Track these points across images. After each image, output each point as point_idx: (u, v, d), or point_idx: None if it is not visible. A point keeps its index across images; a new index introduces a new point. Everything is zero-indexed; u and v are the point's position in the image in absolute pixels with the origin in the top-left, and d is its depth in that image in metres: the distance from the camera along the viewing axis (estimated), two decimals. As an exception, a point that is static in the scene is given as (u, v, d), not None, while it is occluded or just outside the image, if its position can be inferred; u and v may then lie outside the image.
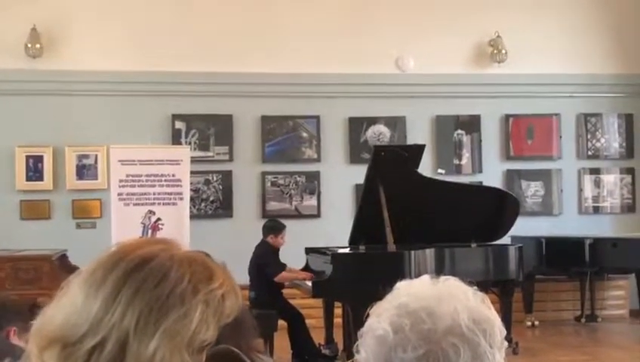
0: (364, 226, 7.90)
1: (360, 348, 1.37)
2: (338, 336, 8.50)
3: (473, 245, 8.14)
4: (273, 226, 8.63)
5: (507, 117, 11.41)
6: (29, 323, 1.31)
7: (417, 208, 7.86)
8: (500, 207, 8.47)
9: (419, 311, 1.33)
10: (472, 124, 11.34)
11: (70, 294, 1.27)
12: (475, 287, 1.40)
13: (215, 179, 10.77)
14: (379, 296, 1.42)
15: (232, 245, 9.46)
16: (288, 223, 8.87)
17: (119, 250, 1.30)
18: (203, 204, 10.70)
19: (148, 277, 1.25)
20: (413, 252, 7.43)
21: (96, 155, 10.39)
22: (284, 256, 8.51)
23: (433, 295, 1.36)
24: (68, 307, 1.25)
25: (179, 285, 1.25)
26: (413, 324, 1.31)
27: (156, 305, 1.23)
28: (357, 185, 10.15)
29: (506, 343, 1.37)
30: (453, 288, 1.38)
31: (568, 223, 11.36)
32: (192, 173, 9.61)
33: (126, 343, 1.21)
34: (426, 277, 1.41)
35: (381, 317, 1.35)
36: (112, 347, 1.21)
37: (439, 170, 11.05)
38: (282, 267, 8.37)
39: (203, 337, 1.25)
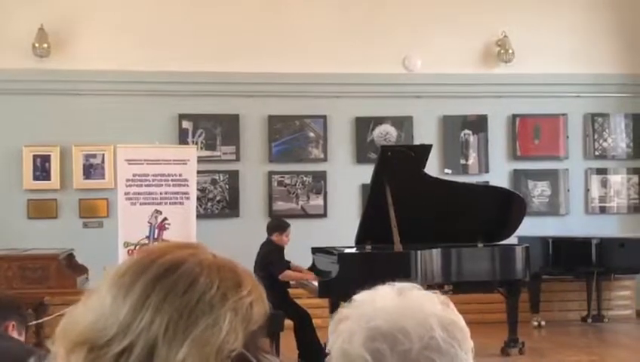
0: (371, 226, 7.90)
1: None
2: (344, 336, 8.48)
3: (480, 245, 8.14)
4: (278, 224, 8.64)
5: (514, 117, 11.40)
6: (25, 317, 1.31)
7: (424, 208, 7.86)
8: (506, 206, 8.47)
9: (394, 331, 1.29)
10: (478, 124, 11.33)
11: (98, 296, 1.26)
12: (437, 292, 1.39)
13: (222, 178, 10.78)
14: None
15: (239, 245, 9.44)
16: (295, 223, 8.87)
17: (148, 254, 1.29)
18: (210, 204, 10.72)
19: (177, 283, 1.23)
20: (419, 252, 7.43)
21: (103, 155, 10.42)
22: (290, 256, 8.52)
23: (402, 311, 1.32)
24: (96, 309, 1.24)
25: (208, 292, 1.23)
26: (391, 348, 1.29)
27: (185, 312, 1.21)
28: (363, 185, 10.15)
29: (471, 342, 1.36)
30: (420, 299, 1.35)
31: (575, 223, 11.34)
32: (198, 172, 9.61)
33: (154, 349, 1.20)
34: (387, 289, 1.38)
35: (353, 339, 1.31)
36: (140, 352, 1.20)
37: (446, 170, 11.04)
38: (286, 265, 8.38)
39: (231, 346, 1.22)
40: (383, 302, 1.35)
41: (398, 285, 1.38)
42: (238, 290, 1.26)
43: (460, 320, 1.35)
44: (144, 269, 1.26)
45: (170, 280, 1.24)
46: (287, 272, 8.32)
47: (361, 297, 1.38)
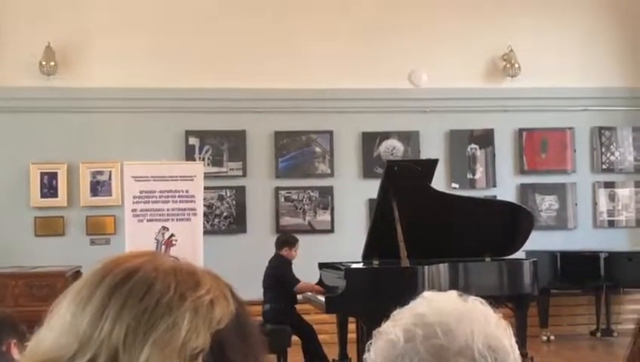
0: (378, 241, 7.87)
1: (371, 347, 1.36)
2: (352, 352, 8.47)
3: (487, 259, 8.11)
4: (287, 240, 8.66)
5: (521, 131, 11.38)
6: (23, 335, 1.32)
7: (431, 223, 7.83)
8: (514, 221, 8.43)
9: (435, 325, 1.31)
10: (485, 139, 11.31)
11: (59, 314, 1.26)
12: (500, 315, 1.38)
13: (229, 194, 10.78)
14: (392, 312, 1.41)
15: (246, 260, 9.49)
16: (302, 238, 8.88)
17: (104, 266, 1.30)
18: (217, 220, 10.71)
19: (133, 290, 1.24)
20: (426, 267, 7.40)
21: (110, 172, 10.43)
22: (297, 271, 8.51)
23: (454, 313, 1.33)
24: (57, 327, 1.25)
25: (165, 295, 1.24)
26: (425, 337, 1.30)
27: (143, 318, 1.22)
28: (370, 200, 10.13)
29: None
30: (476, 311, 1.35)
31: (583, 237, 11.30)
32: (205, 188, 9.62)
33: (116, 359, 1.20)
34: (453, 293, 1.39)
35: (397, 323, 1.34)
36: None
37: (453, 185, 11.03)
38: (298, 279, 8.41)
39: (194, 345, 1.24)
40: (442, 301, 1.37)
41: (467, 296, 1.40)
42: (196, 290, 1.26)
43: (512, 346, 1.34)
44: (100, 280, 1.27)
45: (126, 288, 1.24)
46: (301, 284, 8.34)
47: (427, 293, 1.40)
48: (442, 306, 1.35)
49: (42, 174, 10.33)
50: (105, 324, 1.22)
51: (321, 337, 8.47)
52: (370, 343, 1.37)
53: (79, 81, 10.38)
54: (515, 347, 1.35)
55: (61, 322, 1.25)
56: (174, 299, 1.24)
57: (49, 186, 10.33)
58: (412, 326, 1.32)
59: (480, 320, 1.33)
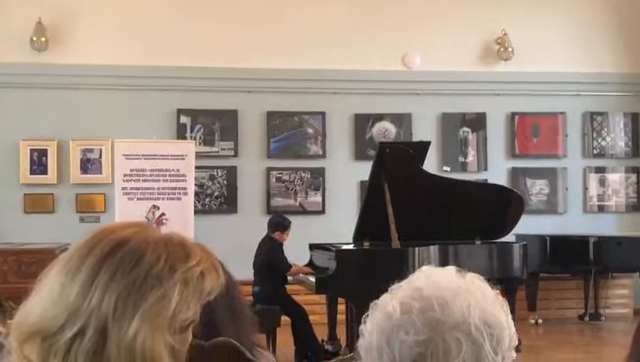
0: (369, 223, 7.88)
1: (367, 319, 1.37)
2: (341, 333, 8.50)
3: (477, 242, 8.12)
4: (281, 223, 8.62)
5: (513, 115, 11.39)
6: (4, 311, 1.30)
7: (422, 205, 7.85)
8: (504, 204, 8.44)
9: (432, 298, 1.31)
10: (477, 122, 11.31)
11: (47, 285, 1.26)
12: (498, 292, 1.38)
13: (220, 174, 10.76)
14: (382, 293, 1.40)
15: (237, 240, 9.48)
16: (293, 219, 8.86)
17: (94, 236, 1.29)
18: (207, 200, 10.70)
19: (123, 261, 1.23)
20: (417, 249, 7.42)
21: (100, 149, 10.39)
22: (288, 252, 8.50)
23: (451, 287, 1.34)
24: (45, 298, 1.24)
25: (155, 266, 1.24)
26: (422, 309, 1.30)
27: (133, 288, 1.21)
28: (362, 182, 10.13)
29: (514, 353, 1.35)
30: (474, 286, 1.36)
31: (573, 222, 11.34)
32: (196, 168, 9.60)
33: (106, 329, 1.20)
34: (452, 269, 1.40)
35: (394, 295, 1.35)
36: (92, 334, 1.20)
37: (444, 168, 11.03)
38: (289, 263, 8.42)
39: (184, 316, 1.23)
40: (439, 275, 1.37)
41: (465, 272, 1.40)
42: (186, 261, 1.26)
43: (508, 322, 1.35)
44: (89, 251, 1.26)
45: (116, 259, 1.24)
46: (293, 269, 8.34)
47: (425, 268, 1.40)
48: (440, 280, 1.35)
49: (32, 151, 10.28)
50: (94, 295, 1.21)
51: (311, 318, 8.49)
52: (367, 315, 1.37)
53: (70, 57, 10.31)
54: (512, 324, 1.35)
55: (50, 292, 1.24)
56: (165, 270, 1.24)
57: (39, 163, 10.29)
58: (409, 298, 1.32)
59: (477, 296, 1.33)
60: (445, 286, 1.33)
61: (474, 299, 1.32)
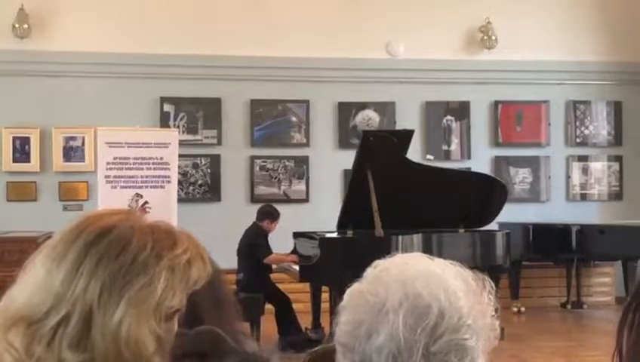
0: (353, 211, 7.90)
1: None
2: (325, 321, 8.51)
3: (461, 231, 8.16)
4: (271, 212, 8.67)
5: (496, 103, 11.41)
6: None
7: (405, 193, 7.87)
8: (487, 193, 8.48)
9: (391, 281, 1.34)
10: (461, 110, 11.33)
11: (33, 271, 1.25)
12: (486, 277, 1.38)
13: (203, 162, 10.73)
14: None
15: (220, 229, 9.46)
16: (277, 208, 8.90)
17: (79, 223, 1.29)
18: (191, 188, 10.67)
19: (109, 248, 1.23)
20: (400, 237, 7.45)
21: (83, 137, 10.34)
22: (272, 240, 8.54)
23: (421, 267, 1.35)
24: (31, 284, 1.24)
25: (141, 253, 1.24)
26: (369, 292, 1.35)
27: (119, 275, 1.21)
28: (346, 171, 10.12)
29: (495, 341, 1.34)
30: (445, 265, 1.36)
31: (556, 210, 11.39)
32: (180, 156, 9.57)
33: (91, 316, 1.20)
34: (418, 254, 1.41)
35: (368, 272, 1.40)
36: (77, 321, 1.20)
37: (428, 156, 11.05)
38: (271, 250, 8.43)
39: (170, 304, 1.23)
40: (413, 259, 1.39)
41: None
42: (173, 249, 1.26)
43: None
44: (75, 238, 1.25)
45: (102, 245, 1.24)
46: (272, 256, 8.38)
47: (397, 255, 1.42)
48: (411, 261, 1.37)
49: (14, 138, 10.22)
50: (79, 281, 1.21)
51: (295, 306, 8.51)
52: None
53: (53, 44, 10.23)
54: (481, 302, 1.34)
55: (35, 279, 1.24)
56: (151, 257, 1.24)
57: (21, 151, 10.22)
58: (374, 267, 1.40)
59: (447, 273, 1.33)
60: (416, 265, 1.35)
61: (441, 276, 1.32)
